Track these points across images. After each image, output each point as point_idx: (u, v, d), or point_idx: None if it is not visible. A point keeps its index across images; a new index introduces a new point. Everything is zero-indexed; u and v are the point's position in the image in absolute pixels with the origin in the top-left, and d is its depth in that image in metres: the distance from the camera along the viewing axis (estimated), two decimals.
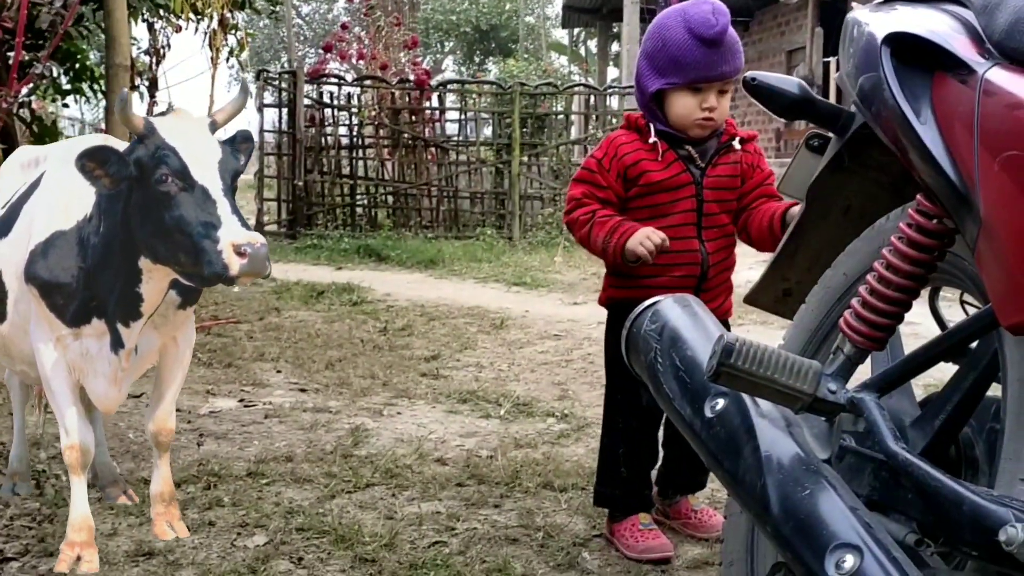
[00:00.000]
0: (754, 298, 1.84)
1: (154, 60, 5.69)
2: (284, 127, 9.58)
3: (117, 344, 2.15)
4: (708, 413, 1.37)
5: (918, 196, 1.29)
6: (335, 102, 9.85)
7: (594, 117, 10.42)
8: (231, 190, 1.99)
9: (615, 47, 21.67)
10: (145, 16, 5.59)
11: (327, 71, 10.17)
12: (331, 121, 9.83)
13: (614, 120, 9.97)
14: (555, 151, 10.22)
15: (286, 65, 19.40)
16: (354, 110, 9.79)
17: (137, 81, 5.73)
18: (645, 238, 2.09)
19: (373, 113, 9.73)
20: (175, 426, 2.37)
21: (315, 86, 9.78)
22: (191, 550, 2.19)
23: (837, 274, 1.62)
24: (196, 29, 5.47)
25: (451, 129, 10.78)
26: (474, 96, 10.52)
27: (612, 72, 21.96)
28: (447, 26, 28.77)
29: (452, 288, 6.72)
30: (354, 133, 9.97)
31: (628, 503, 2.21)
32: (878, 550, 1.03)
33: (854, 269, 1.58)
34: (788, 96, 1.56)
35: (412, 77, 9.93)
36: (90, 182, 1.99)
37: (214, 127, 2.09)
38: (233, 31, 5.39)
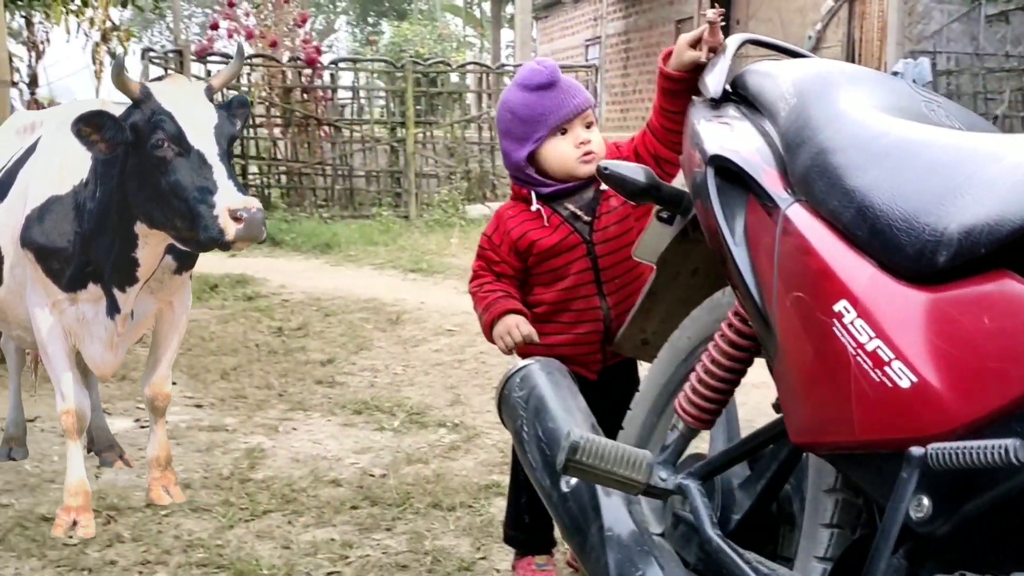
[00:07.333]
0: (619, 346, 2.04)
1: (33, 56, 5.57)
2: None
3: (113, 309, 2.18)
4: (564, 488, 1.56)
5: (736, 300, 1.48)
6: None
7: (487, 96, 10.53)
8: (227, 155, 2.01)
9: (509, 9, 21.65)
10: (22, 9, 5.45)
11: (215, 49, 9.99)
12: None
13: None
14: (449, 128, 10.31)
15: (165, 33, 18.70)
16: (244, 89, 9.66)
17: (16, 77, 5.61)
18: (506, 333, 2.08)
19: (264, 92, 9.64)
20: (171, 391, 2.41)
21: (203, 65, 9.62)
22: None
23: (683, 336, 1.81)
24: (78, 28, 5.36)
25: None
26: (367, 73, 10.51)
27: (507, 34, 22.01)
28: None
29: (349, 277, 6.79)
30: None
31: (528, 545, 2.35)
32: None
33: (696, 335, 1.77)
34: (636, 184, 1.72)
35: (302, 55, 9.85)
36: (86, 147, 2.00)
37: (210, 92, 2.09)
38: (115, 36, 5.31)
